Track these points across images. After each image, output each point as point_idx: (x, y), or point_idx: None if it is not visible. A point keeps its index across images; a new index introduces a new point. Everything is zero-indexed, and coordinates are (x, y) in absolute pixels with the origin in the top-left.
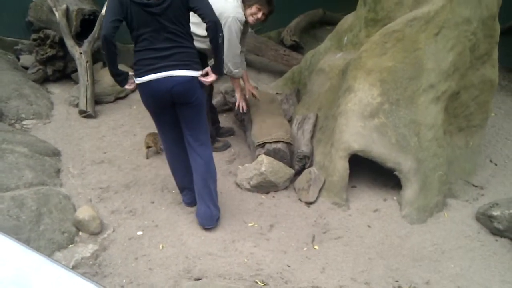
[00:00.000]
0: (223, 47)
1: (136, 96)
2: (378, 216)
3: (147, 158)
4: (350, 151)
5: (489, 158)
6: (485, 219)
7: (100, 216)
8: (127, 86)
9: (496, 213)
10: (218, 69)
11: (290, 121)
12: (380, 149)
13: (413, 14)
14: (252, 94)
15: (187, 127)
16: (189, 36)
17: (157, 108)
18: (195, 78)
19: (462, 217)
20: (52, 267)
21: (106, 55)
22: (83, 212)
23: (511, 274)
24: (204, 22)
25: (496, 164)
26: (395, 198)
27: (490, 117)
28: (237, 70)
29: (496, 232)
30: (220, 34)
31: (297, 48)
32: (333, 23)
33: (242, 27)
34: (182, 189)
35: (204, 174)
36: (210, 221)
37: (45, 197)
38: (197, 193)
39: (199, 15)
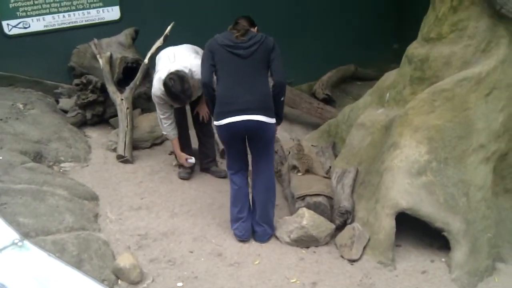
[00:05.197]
0: (283, 103)
1: None
2: (426, 278)
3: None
4: (397, 209)
5: None
6: None
7: (139, 264)
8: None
9: None
10: (278, 120)
11: (327, 173)
12: (429, 208)
13: (463, 74)
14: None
15: (255, 157)
16: (267, 81)
17: (231, 139)
18: (269, 123)
19: None
20: None
21: (207, 98)
22: (124, 260)
23: None
24: (272, 79)
25: None
26: (443, 259)
27: None
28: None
29: None
30: (283, 93)
31: (329, 101)
32: (364, 79)
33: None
34: (236, 221)
35: (265, 200)
36: (262, 237)
37: (85, 242)
38: (257, 216)
39: (270, 69)
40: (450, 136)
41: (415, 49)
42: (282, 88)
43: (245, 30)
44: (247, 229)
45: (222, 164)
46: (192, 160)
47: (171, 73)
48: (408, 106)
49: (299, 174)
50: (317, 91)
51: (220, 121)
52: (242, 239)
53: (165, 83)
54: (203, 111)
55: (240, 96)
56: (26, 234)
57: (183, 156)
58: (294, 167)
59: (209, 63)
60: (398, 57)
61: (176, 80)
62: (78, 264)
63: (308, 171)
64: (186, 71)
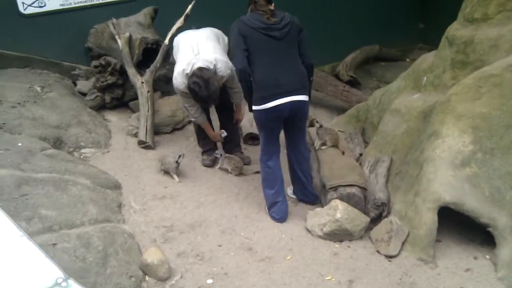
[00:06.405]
0: (312, 83)
1: (193, 127)
2: (471, 277)
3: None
4: (440, 203)
5: None
6: None
7: (167, 259)
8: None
9: None
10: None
11: (356, 161)
12: (473, 203)
13: None
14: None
15: (292, 133)
16: (300, 60)
17: (272, 122)
18: (308, 101)
19: None
20: None
21: (244, 85)
22: (152, 255)
23: None
24: (302, 60)
25: None
26: (487, 256)
27: None
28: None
29: None
30: (312, 74)
31: (354, 84)
32: (388, 59)
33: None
34: (273, 205)
35: (307, 168)
36: (313, 197)
37: (110, 236)
38: (303, 185)
39: (300, 51)
40: (497, 125)
41: (456, 30)
42: (312, 69)
43: (271, 11)
44: (285, 212)
45: (246, 150)
46: (225, 133)
47: (195, 75)
48: (451, 92)
49: (324, 147)
50: (341, 72)
51: (264, 105)
52: (280, 221)
53: (191, 89)
54: (241, 116)
55: (281, 78)
56: (49, 228)
57: (216, 134)
58: (323, 144)
59: (242, 47)
60: (424, 37)
61: (202, 85)
62: (104, 259)
63: (336, 145)
64: (211, 67)
